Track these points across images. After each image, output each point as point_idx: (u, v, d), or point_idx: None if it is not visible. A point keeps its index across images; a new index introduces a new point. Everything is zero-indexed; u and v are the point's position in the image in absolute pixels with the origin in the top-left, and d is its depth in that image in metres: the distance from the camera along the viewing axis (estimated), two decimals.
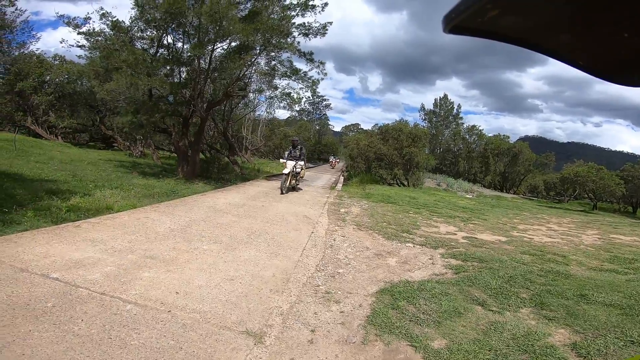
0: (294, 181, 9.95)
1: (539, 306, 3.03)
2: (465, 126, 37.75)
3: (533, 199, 26.19)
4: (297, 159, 9.91)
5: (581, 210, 19.01)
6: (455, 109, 39.59)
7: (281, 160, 10.09)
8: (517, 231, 7.26)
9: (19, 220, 3.96)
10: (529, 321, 2.75)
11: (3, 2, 5.70)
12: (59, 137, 17.98)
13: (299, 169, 10.04)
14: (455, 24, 0.28)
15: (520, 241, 6.10)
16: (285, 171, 9.36)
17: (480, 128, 35.99)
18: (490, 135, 35.84)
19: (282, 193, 9.05)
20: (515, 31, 0.30)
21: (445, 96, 40.05)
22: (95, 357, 1.86)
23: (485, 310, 2.89)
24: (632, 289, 3.55)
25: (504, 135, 35.34)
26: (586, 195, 24.48)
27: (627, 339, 2.47)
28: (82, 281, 2.69)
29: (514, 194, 30.43)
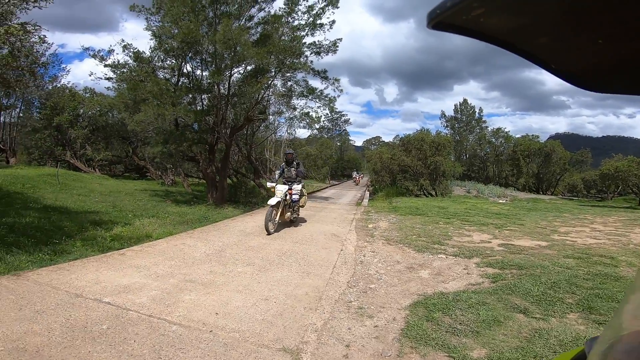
0: (288, 214, 6.98)
1: (587, 311, 2.87)
2: (490, 129, 36.58)
3: (573, 199, 24.63)
4: (292, 180, 7.21)
5: (627, 207, 17.64)
6: (477, 113, 38.62)
7: (268, 185, 7.22)
8: (558, 234, 6.89)
9: (69, 250, 4.33)
10: (577, 326, 2.61)
11: (33, 39, 6.35)
12: (97, 170, 19.15)
13: (297, 196, 7.07)
14: (439, 20, 0.29)
15: (562, 245, 5.79)
16: (272, 202, 6.39)
17: (506, 130, 34.73)
18: (518, 136, 34.47)
19: (268, 234, 6.20)
20: (496, 31, 0.31)
21: (465, 101, 39.28)
22: None
23: (528, 318, 2.78)
24: None
25: (532, 135, 33.93)
26: (630, 191, 22.70)
27: None
28: (131, 305, 2.89)
29: (551, 195, 28.77)
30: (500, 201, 16.77)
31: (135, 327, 2.51)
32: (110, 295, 3.04)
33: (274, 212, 6.46)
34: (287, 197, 6.80)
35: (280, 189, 6.63)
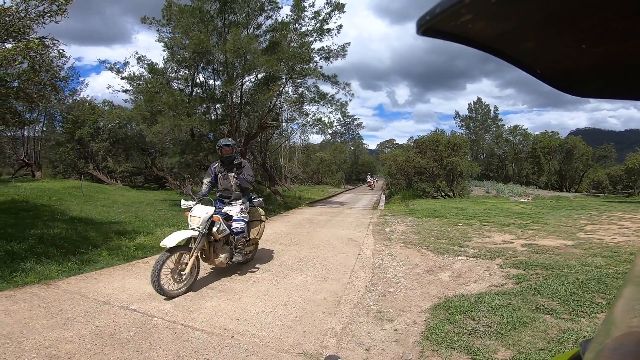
0: (223, 256, 3.92)
1: None
2: (506, 127, 35.77)
3: (599, 196, 23.62)
4: (229, 195, 4.26)
5: None
6: (492, 111, 37.86)
7: (182, 204, 4.00)
8: (585, 233, 6.63)
9: (96, 259, 4.51)
10: None
11: (53, 54, 6.64)
12: (118, 181, 19.78)
13: (241, 224, 4.11)
14: (429, 26, 0.29)
15: (589, 243, 5.57)
16: (169, 241, 3.33)
17: (524, 127, 33.95)
18: (536, 133, 33.55)
19: (165, 297, 3.27)
20: (483, 37, 0.31)
21: (479, 99, 38.62)
22: None
23: (555, 319, 2.69)
24: None
25: (552, 131, 32.88)
26: None
27: None
28: (156, 311, 2.98)
29: (575, 192, 27.71)
30: (521, 200, 16.28)
31: (160, 334, 2.58)
32: (136, 303, 3.14)
33: (181, 258, 3.44)
34: (216, 229, 3.71)
35: (198, 214, 3.57)
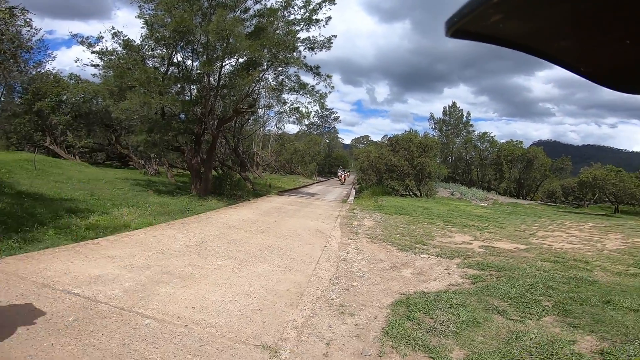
0: None
1: (562, 314, 2.92)
2: (476, 133, 37.24)
3: (551, 205, 25.43)
4: None
5: (602, 215, 18.36)
6: (465, 117, 39.19)
7: None
8: (536, 238, 7.06)
9: (40, 238, 4.12)
10: (553, 329, 2.65)
11: (18, 23, 6.16)
12: (77, 157, 18.46)
13: None
14: (457, 27, 0.28)
15: (539, 248, 5.93)
16: None
17: (491, 135, 35.48)
18: (502, 141, 35.29)
19: None
20: (517, 36, 0.29)
21: (454, 104, 39.77)
22: None
23: (506, 320, 2.81)
24: None
25: (516, 141, 34.72)
26: (607, 199, 23.66)
27: None
28: (102, 296, 2.76)
29: (531, 200, 29.62)
30: (482, 204, 17.13)
31: (104, 320, 2.39)
32: (80, 287, 2.90)
33: None
34: None
35: None
